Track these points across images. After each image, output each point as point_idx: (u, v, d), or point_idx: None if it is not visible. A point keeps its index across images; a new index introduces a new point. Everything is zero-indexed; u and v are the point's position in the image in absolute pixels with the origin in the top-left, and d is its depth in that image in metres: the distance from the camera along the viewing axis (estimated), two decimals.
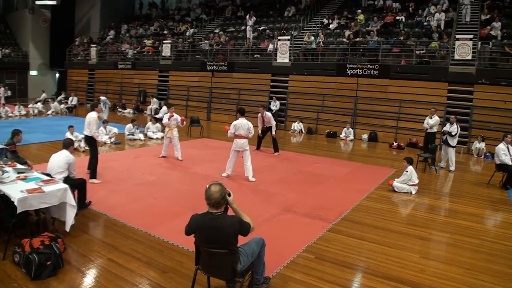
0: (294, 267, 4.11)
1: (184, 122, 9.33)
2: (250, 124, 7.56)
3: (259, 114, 10.38)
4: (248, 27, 18.00)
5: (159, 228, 4.99)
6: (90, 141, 6.95)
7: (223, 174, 7.70)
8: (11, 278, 3.67)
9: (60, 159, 5.32)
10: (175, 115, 8.96)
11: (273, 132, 10.09)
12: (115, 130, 11.29)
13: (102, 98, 15.63)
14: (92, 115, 6.86)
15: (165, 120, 9.02)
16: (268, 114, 10.40)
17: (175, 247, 4.49)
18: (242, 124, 7.42)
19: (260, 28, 18.76)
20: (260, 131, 10.50)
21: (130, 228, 5.01)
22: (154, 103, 18.25)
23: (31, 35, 26.09)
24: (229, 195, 3.12)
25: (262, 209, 5.82)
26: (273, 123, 10.15)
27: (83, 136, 9.99)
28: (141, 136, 11.81)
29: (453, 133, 9.00)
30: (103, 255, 4.23)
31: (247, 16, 18.21)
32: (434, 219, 5.88)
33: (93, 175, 6.92)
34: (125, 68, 21.06)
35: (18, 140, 6.40)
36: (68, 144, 5.57)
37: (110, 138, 10.88)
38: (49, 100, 19.81)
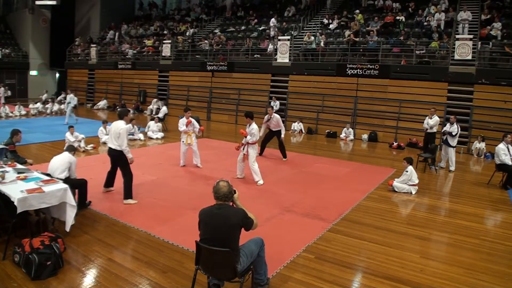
0: (294, 267, 4.11)
1: (202, 132, 8.66)
2: None
3: (267, 116, 9.42)
4: (272, 25, 17.49)
5: (159, 228, 4.99)
6: (120, 156, 5.81)
7: (259, 182, 7.30)
8: (11, 278, 3.67)
9: (62, 159, 5.44)
10: (193, 121, 8.30)
11: (282, 136, 9.29)
12: None
13: (69, 95, 15.03)
14: (122, 125, 5.74)
15: (182, 127, 8.21)
16: (277, 116, 9.40)
17: (175, 247, 4.49)
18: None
19: (260, 28, 18.76)
20: (261, 133, 9.51)
21: (130, 228, 5.01)
22: (154, 104, 18.21)
23: (31, 35, 26.08)
24: (235, 192, 3.29)
25: (262, 209, 5.81)
26: (282, 125, 9.36)
27: (83, 136, 10.09)
28: (141, 136, 11.81)
29: (453, 133, 9.00)
30: (103, 255, 4.23)
31: (273, 19, 17.77)
32: (434, 219, 5.88)
33: (128, 194, 5.91)
34: (125, 68, 21.06)
35: (17, 140, 6.41)
36: (70, 149, 5.69)
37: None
38: (49, 100, 19.81)
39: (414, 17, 15.13)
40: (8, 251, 4.04)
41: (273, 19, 17.64)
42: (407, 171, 7.15)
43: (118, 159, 5.88)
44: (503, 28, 12.60)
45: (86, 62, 23.34)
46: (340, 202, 6.35)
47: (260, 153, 9.81)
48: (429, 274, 4.07)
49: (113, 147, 5.83)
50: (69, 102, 14.70)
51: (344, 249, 4.62)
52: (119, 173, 6.14)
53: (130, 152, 5.88)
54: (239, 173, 7.62)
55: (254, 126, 7.27)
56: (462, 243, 4.95)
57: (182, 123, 8.26)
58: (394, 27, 14.93)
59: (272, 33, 17.19)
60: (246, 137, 7.25)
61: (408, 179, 7.14)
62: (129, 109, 18.20)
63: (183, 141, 8.30)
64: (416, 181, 7.19)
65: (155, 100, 18.44)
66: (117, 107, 19.60)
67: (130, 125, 11.75)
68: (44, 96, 20.34)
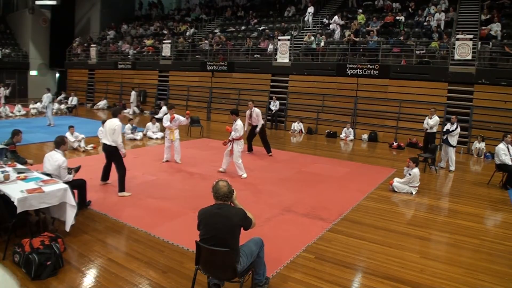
0: (294, 267, 4.11)
1: (189, 118, 8.92)
2: None
3: (248, 111, 9.70)
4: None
5: (159, 228, 4.99)
6: (114, 151, 6.13)
7: (243, 175, 7.68)
8: None
9: (52, 164, 5.03)
10: (177, 116, 8.50)
11: (257, 129, 9.60)
12: None
13: (46, 95, 14.30)
14: (116, 123, 6.03)
15: (166, 123, 8.49)
16: (257, 110, 9.72)
17: (175, 247, 4.49)
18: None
19: (260, 28, 18.76)
20: (245, 129, 9.76)
21: (130, 228, 5.01)
22: (132, 96, 18.60)
23: (31, 35, 26.07)
24: (233, 192, 3.28)
25: (262, 209, 5.81)
26: (261, 121, 9.65)
27: (83, 136, 10.09)
28: (140, 135, 11.84)
29: (450, 130, 9.02)
30: (103, 255, 4.23)
31: (336, 16, 16.40)
32: (434, 219, 5.87)
33: (122, 187, 6.22)
34: (125, 68, 21.06)
35: (18, 140, 6.42)
36: (59, 143, 5.19)
37: None
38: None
39: (414, 17, 15.15)
40: (8, 251, 4.04)
41: (336, 17, 16.20)
42: (410, 174, 7.11)
43: (112, 154, 6.22)
44: (503, 28, 12.60)
45: (86, 62, 23.34)
46: (340, 202, 6.35)
47: (249, 150, 10.02)
48: (429, 274, 4.07)
49: (107, 143, 6.12)
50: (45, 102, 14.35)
51: (344, 249, 4.62)
52: (114, 170, 6.35)
53: (123, 147, 6.27)
54: (223, 167, 7.92)
55: (238, 122, 7.65)
56: (462, 243, 4.95)
57: (166, 119, 8.58)
58: (394, 27, 14.93)
59: (337, 31, 15.71)
60: (231, 133, 7.62)
61: (409, 181, 7.12)
62: (125, 107, 18.40)
63: (166, 137, 8.67)
64: (417, 184, 7.16)
65: (133, 93, 18.74)
66: (117, 107, 19.60)
67: (129, 124, 11.88)
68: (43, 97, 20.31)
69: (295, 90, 15.27)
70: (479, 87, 11.75)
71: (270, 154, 9.88)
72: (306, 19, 17.40)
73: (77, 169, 5.60)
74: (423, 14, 14.76)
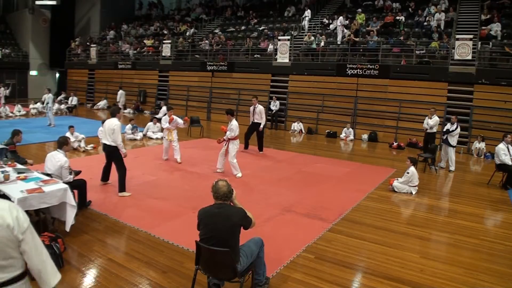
0: (294, 267, 4.11)
1: (187, 124, 9.06)
2: None
3: (251, 106, 9.95)
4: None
5: (159, 228, 4.99)
6: (114, 151, 6.17)
7: (238, 175, 7.73)
8: None
9: (53, 164, 5.06)
10: (175, 118, 8.58)
11: (261, 127, 9.77)
12: None
13: (47, 95, 14.24)
14: (116, 122, 6.08)
15: (165, 124, 8.59)
16: (260, 107, 9.92)
17: (175, 247, 4.49)
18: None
19: (260, 28, 18.76)
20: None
21: (130, 228, 5.02)
22: (119, 95, 18.76)
23: (31, 35, 26.07)
24: (232, 191, 3.29)
25: (262, 209, 5.81)
26: (264, 117, 9.81)
27: (83, 136, 10.09)
28: (140, 135, 11.83)
29: (450, 130, 9.03)
30: (103, 255, 4.23)
31: (341, 17, 15.77)
32: (434, 219, 5.88)
33: (122, 187, 6.23)
34: (125, 68, 21.06)
35: (18, 140, 6.43)
36: (62, 143, 5.23)
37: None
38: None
39: (414, 17, 15.14)
40: None
41: (341, 18, 15.62)
42: (408, 173, 7.11)
43: (112, 154, 6.24)
44: (503, 28, 12.60)
45: (86, 62, 23.33)
46: (340, 202, 6.35)
47: (245, 148, 10.14)
48: (429, 274, 4.07)
49: (107, 143, 6.14)
50: (47, 103, 14.41)
51: (344, 249, 4.62)
52: (114, 170, 6.35)
53: (124, 147, 6.30)
54: (219, 167, 7.95)
55: (234, 122, 7.71)
56: (462, 243, 4.95)
57: (165, 120, 8.64)
58: (394, 27, 14.93)
59: (340, 34, 15.20)
60: (226, 132, 7.70)
61: (409, 181, 7.12)
62: (120, 107, 18.37)
63: (165, 137, 8.76)
64: (417, 183, 7.16)
65: (120, 92, 18.96)
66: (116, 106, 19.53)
67: (129, 125, 11.89)
68: (43, 97, 20.30)
69: (295, 90, 15.27)
70: (479, 87, 11.75)
71: (261, 152, 10.07)
72: (302, 23, 17.43)
73: (77, 173, 5.61)
74: (423, 14, 14.76)
